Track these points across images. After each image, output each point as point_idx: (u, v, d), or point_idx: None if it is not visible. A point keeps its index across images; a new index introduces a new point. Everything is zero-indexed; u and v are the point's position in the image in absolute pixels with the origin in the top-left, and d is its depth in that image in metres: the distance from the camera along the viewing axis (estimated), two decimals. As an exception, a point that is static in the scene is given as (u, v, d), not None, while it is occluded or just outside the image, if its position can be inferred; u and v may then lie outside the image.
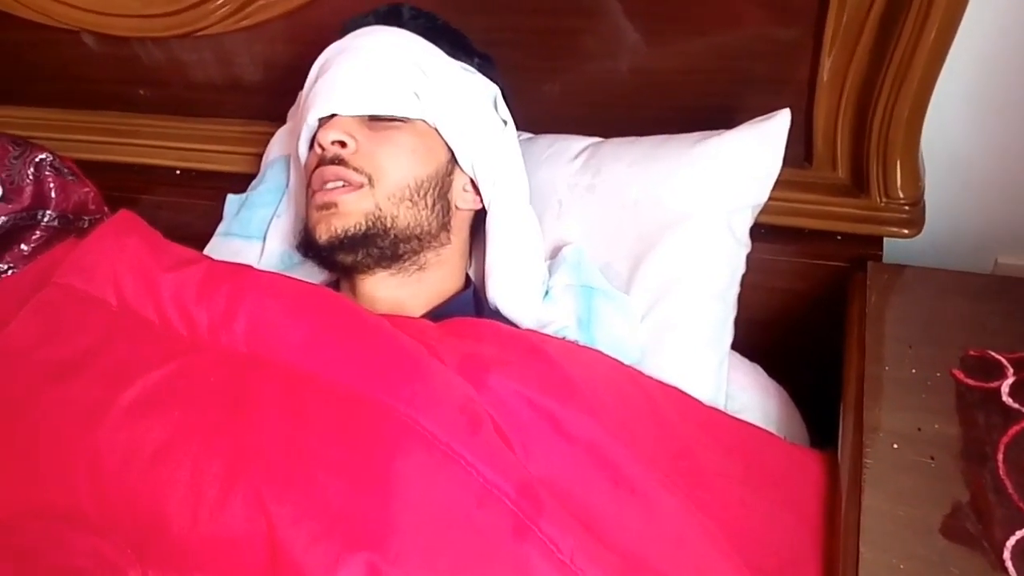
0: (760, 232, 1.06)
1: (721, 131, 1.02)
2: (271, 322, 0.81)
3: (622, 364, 0.90)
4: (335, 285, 1.03)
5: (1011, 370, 0.88)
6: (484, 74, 1.02)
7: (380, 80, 0.95)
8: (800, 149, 1.09)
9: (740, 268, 1.02)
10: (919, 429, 0.85)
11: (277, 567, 0.68)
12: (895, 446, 0.84)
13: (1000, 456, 0.81)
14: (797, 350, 1.14)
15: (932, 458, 0.82)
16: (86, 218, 1.33)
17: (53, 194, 1.31)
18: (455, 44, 1.01)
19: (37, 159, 1.31)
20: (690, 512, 0.78)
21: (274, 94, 1.26)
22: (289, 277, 0.87)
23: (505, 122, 1.03)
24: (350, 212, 0.92)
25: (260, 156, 1.25)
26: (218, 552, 0.70)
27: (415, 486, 0.70)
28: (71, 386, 0.79)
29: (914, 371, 0.91)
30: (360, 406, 0.74)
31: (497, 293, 0.98)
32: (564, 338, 0.94)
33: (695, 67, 1.09)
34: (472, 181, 1.00)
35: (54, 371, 0.81)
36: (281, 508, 0.69)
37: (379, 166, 0.93)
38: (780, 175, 1.02)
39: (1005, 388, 0.86)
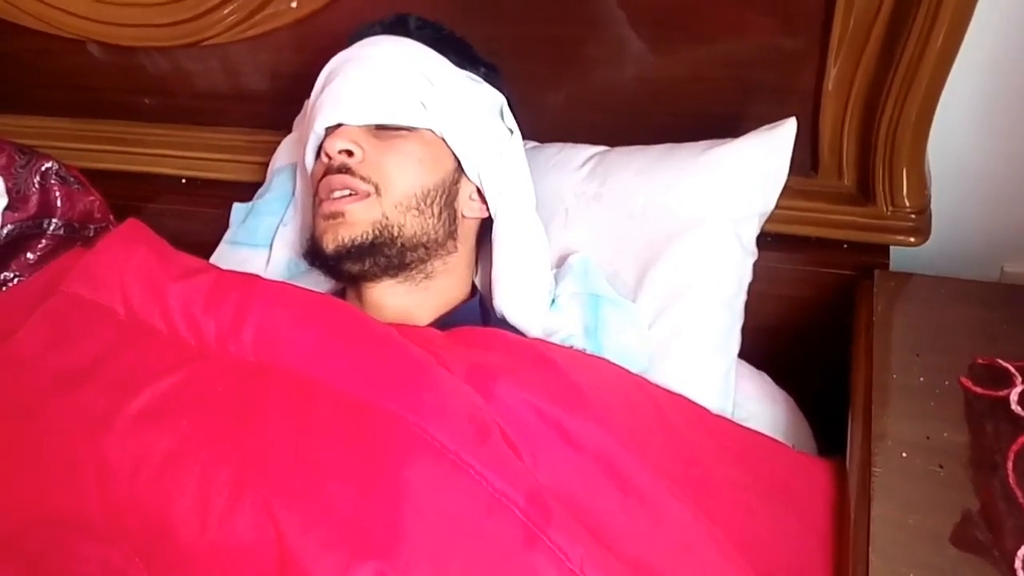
0: (767, 240, 1.06)
1: (727, 140, 1.02)
2: (279, 331, 0.80)
3: (629, 372, 0.90)
4: (341, 293, 1.03)
5: (1019, 378, 0.88)
6: (490, 83, 1.03)
7: (387, 89, 0.96)
8: (806, 157, 1.10)
9: (747, 276, 1.02)
10: (928, 437, 0.85)
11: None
12: (904, 454, 0.83)
13: (1010, 465, 0.80)
14: (804, 358, 1.14)
15: (941, 466, 0.82)
16: (92, 227, 1.33)
17: (59, 203, 1.31)
18: (461, 54, 1.01)
19: (43, 168, 1.31)
20: (698, 520, 0.78)
21: (280, 103, 1.26)
22: (297, 286, 0.87)
23: (511, 131, 1.03)
24: (357, 221, 0.92)
25: (265, 165, 1.26)
26: (226, 560, 0.70)
27: (424, 495, 0.70)
28: (79, 394, 0.79)
29: (922, 379, 0.91)
30: (368, 415, 0.74)
31: (504, 302, 0.98)
32: (571, 347, 0.95)
33: (700, 75, 1.09)
34: (478, 190, 1.00)
35: (62, 379, 0.80)
36: (290, 516, 0.69)
37: (386, 175, 0.94)
38: (786, 183, 1.02)
39: (1014, 396, 0.86)
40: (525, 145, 1.06)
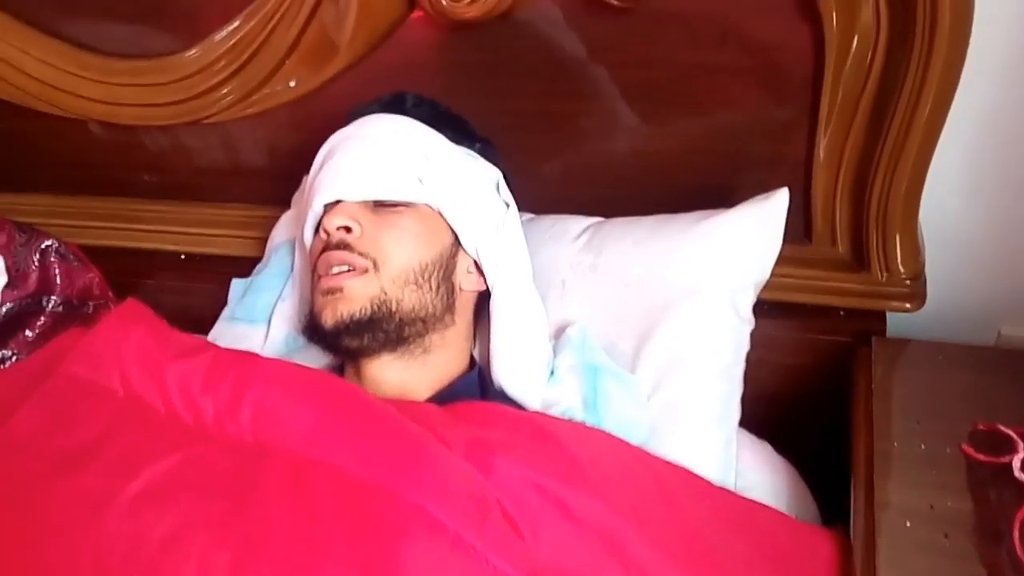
0: (763, 308, 1.07)
1: (721, 210, 1.03)
2: (277, 410, 0.80)
3: (629, 445, 0.90)
4: (340, 369, 1.03)
5: (1021, 444, 0.87)
6: (486, 158, 1.04)
7: (384, 166, 0.97)
8: (800, 225, 1.11)
9: (744, 345, 1.03)
10: (931, 506, 0.84)
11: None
12: (908, 524, 0.83)
13: (1016, 533, 0.79)
14: (803, 425, 1.13)
15: (946, 536, 0.81)
16: (91, 303, 1.33)
17: (58, 280, 1.32)
18: (457, 130, 1.03)
19: (43, 245, 1.32)
20: (702, 596, 0.77)
21: (278, 179, 1.27)
22: (294, 364, 0.87)
23: (508, 205, 1.04)
24: (355, 297, 0.93)
25: (264, 240, 1.27)
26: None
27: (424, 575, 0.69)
28: (78, 477, 0.78)
29: (923, 447, 0.90)
30: (368, 494, 0.73)
31: (503, 374, 0.97)
32: (571, 419, 0.94)
33: (693, 147, 1.11)
34: (476, 263, 1.00)
35: (61, 462, 0.80)
36: (289, 600, 0.68)
37: (383, 250, 0.94)
38: (780, 251, 1.03)
39: (1017, 463, 0.86)
40: (521, 217, 1.07)
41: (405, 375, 0.96)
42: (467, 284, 1.00)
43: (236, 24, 1.15)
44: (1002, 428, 0.90)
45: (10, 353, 1.25)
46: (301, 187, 1.24)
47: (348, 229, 0.95)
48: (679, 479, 0.89)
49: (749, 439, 1.06)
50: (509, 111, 1.11)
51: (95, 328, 0.91)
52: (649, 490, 0.85)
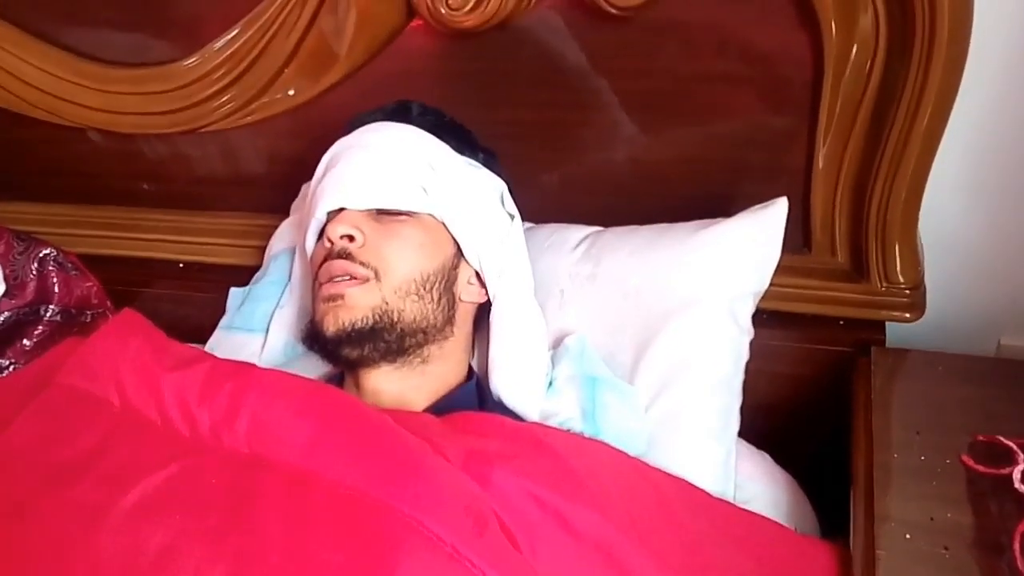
0: (762, 318, 1.06)
1: (720, 220, 1.03)
2: (273, 422, 0.80)
3: (628, 456, 0.89)
4: (338, 379, 1.02)
5: (1021, 456, 0.87)
6: (489, 169, 1.04)
7: (389, 175, 0.97)
8: (799, 235, 1.10)
9: (744, 355, 1.02)
10: (932, 518, 0.84)
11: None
12: (908, 536, 0.82)
13: (1017, 546, 0.79)
14: (803, 435, 1.13)
15: (946, 548, 0.81)
16: (89, 312, 1.33)
17: (56, 289, 1.32)
18: (461, 140, 1.03)
19: (41, 254, 1.32)
20: (700, 609, 0.77)
21: (278, 188, 1.27)
22: (291, 375, 0.87)
23: (512, 216, 1.04)
24: (356, 306, 0.92)
25: (263, 249, 1.27)
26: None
27: (421, 590, 0.69)
28: (73, 489, 0.78)
29: (923, 458, 0.90)
30: (364, 508, 0.73)
31: (501, 385, 0.97)
32: (569, 430, 0.94)
33: (691, 156, 1.11)
34: (477, 274, 1.00)
35: (56, 474, 0.80)
36: (285, 614, 0.68)
37: (385, 260, 0.94)
38: (780, 261, 1.03)
39: (1017, 475, 0.85)
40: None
41: (403, 385, 0.96)
42: (468, 295, 1.00)
43: (235, 32, 1.15)
44: (1002, 439, 0.89)
45: (8, 362, 1.25)
46: (300, 195, 1.24)
47: (351, 238, 0.94)
48: (678, 490, 0.89)
49: (748, 450, 1.06)
50: (508, 120, 1.11)
51: (91, 338, 0.90)
52: (648, 502, 0.85)
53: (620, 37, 1.04)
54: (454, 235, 0.98)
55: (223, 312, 1.20)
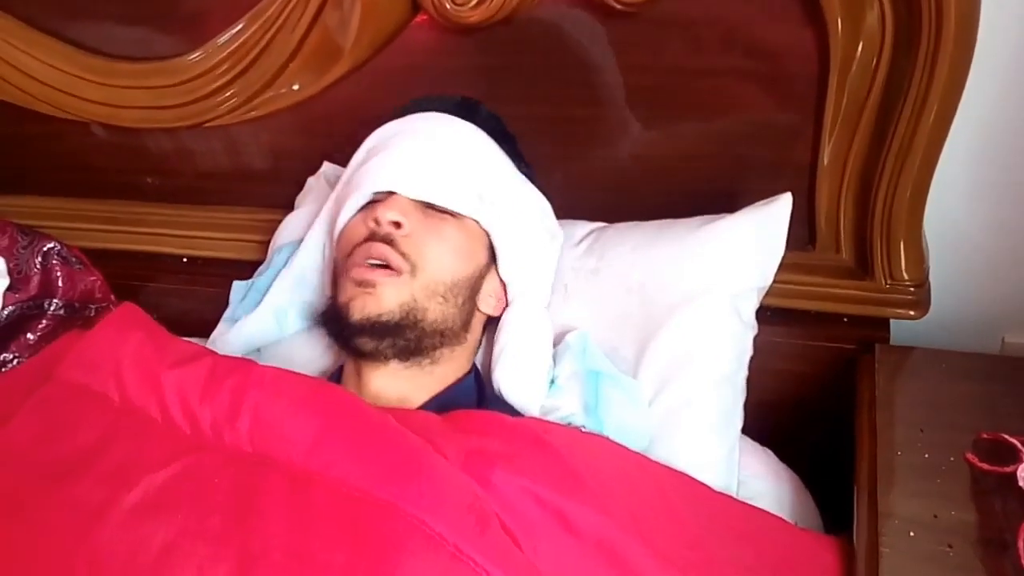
0: (766, 314, 1.06)
1: (723, 215, 1.03)
2: (275, 420, 0.80)
3: (630, 451, 0.89)
4: (338, 373, 1.02)
5: (1026, 454, 0.87)
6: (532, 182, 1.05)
7: (449, 172, 0.96)
8: (803, 232, 1.10)
9: (747, 351, 1.02)
10: (935, 516, 0.84)
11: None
12: (911, 534, 0.82)
13: (1021, 544, 0.79)
14: (806, 432, 1.13)
15: (950, 546, 0.81)
16: (92, 306, 1.34)
17: (60, 283, 1.32)
18: (514, 152, 1.04)
19: (45, 248, 1.33)
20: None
21: (281, 182, 1.27)
22: (293, 372, 0.86)
23: (552, 236, 1.04)
24: (386, 297, 0.91)
25: (267, 244, 1.26)
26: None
27: (423, 589, 0.69)
28: (74, 487, 0.78)
29: (927, 456, 0.90)
30: (366, 507, 0.73)
31: (504, 381, 0.97)
32: (570, 425, 0.94)
33: (696, 152, 1.11)
34: (502, 285, 1.01)
35: (55, 471, 0.80)
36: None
37: (424, 256, 0.93)
38: (784, 258, 1.03)
39: (1021, 473, 0.85)
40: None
41: (407, 384, 0.96)
42: (486, 307, 1.00)
43: (239, 27, 1.15)
44: (1006, 437, 0.89)
45: (12, 356, 1.25)
46: (305, 189, 1.24)
47: (398, 224, 0.93)
48: (680, 486, 0.89)
49: (752, 446, 1.06)
50: (513, 116, 1.10)
51: (91, 333, 0.90)
52: (650, 497, 0.84)
53: (625, 32, 1.04)
54: (496, 248, 0.98)
55: (226, 306, 1.20)
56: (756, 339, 1.04)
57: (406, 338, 0.93)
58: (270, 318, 1.10)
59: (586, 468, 0.80)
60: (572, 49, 1.07)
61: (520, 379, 0.97)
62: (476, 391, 0.99)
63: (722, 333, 1.00)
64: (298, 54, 1.15)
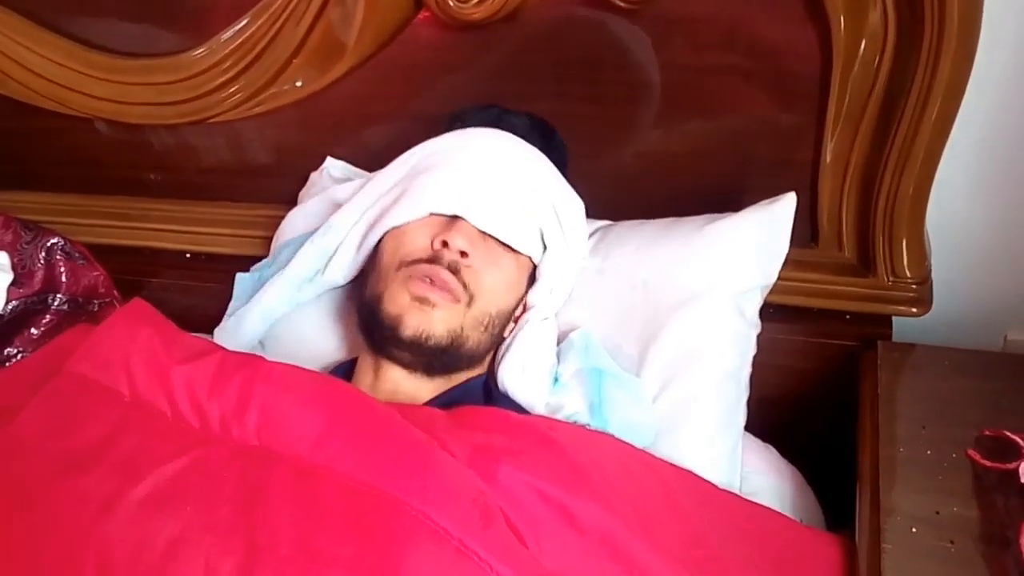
0: (769, 311, 1.06)
1: (728, 214, 1.03)
2: (282, 415, 0.80)
3: (634, 448, 0.90)
4: (343, 370, 1.02)
5: (1028, 450, 0.87)
6: None
7: (517, 206, 0.98)
8: (806, 229, 1.10)
9: (751, 349, 1.02)
10: (937, 512, 0.84)
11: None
12: (913, 530, 0.83)
13: (1022, 540, 0.79)
14: (809, 428, 1.13)
15: (952, 542, 0.81)
16: (96, 302, 1.34)
17: (64, 278, 1.32)
18: (567, 178, 1.04)
19: (48, 244, 1.33)
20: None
21: (285, 178, 1.27)
22: (301, 368, 0.87)
23: (583, 259, 1.06)
24: (440, 322, 0.92)
25: (270, 239, 1.26)
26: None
27: (428, 583, 0.69)
28: (82, 479, 0.78)
29: (929, 452, 0.90)
30: (371, 501, 0.73)
31: (509, 379, 0.98)
32: (575, 423, 0.94)
33: (699, 150, 1.11)
34: (525, 306, 1.02)
35: (65, 463, 0.80)
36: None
37: (482, 290, 0.95)
38: (786, 255, 1.03)
39: (1023, 469, 0.85)
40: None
41: (423, 389, 0.96)
42: (507, 331, 1.01)
43: (243, 23, 1.15)
44: (1008, 434, 0.90)
45: (16, 351, 1.25)
46: (308, 184, 1.24)
47: (465, 254, 0.94)
48: (684, 483, 0.89)
49: (755, 443, 1.07)
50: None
51: (101, 327, 0.90)
52: (653, 494, 0.85)
53: (628, 30, 1.04)
54: (538, 280, 1.00)
55: (229, 301, 1.20)
56: (758, 336, 1.04)
57: (443, 360, 0.94)
58: (289, 288, 1.09)
59: (591, 465, 0.80)
60: (575, 47, 1.07)
61: (525, 377, 0.97)
62: (484, 388, 1.00)
63: (725, 331, 1.01)
64: (302, 50, 1.15)
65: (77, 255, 1.34)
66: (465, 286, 0.93)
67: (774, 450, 1.07)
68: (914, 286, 1.08)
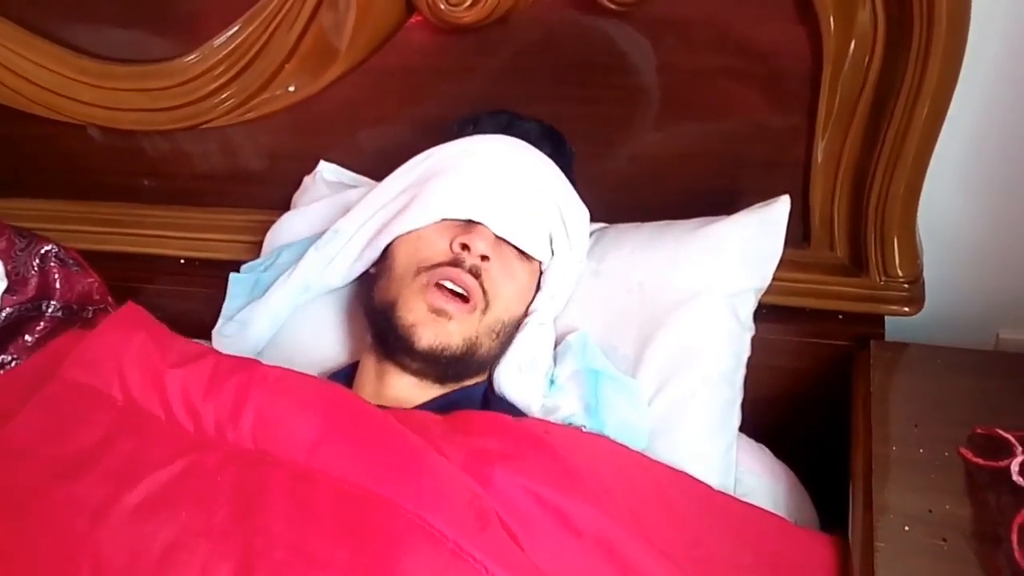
0: (761, 312, 1.07)
1: (721, 217, 1.04)
2: (278, 419, 0.80)
3: (630, 450, 0.90)
4: (343, 374, 1.02)
5: (1020, 448, 0.88)
6: None
7: (532, 212, 0.98)
8: (798, 229, 1.11)
9: (745, 351, 1.03)
10: (930, 510, 0.84)
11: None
12: (906, 528, 0.83)
13: (1014, 538, 0.80)
14: (802, 429, 1.13)
15: (944, 540, 0.82)
16: (90, 308, 1.33)
17: (58, 285, 1.32)
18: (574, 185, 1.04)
19: (42, 250, 1.32)
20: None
21: (278, 183, 1.27)
22: (296, 372, 0.87)
23: (584, 263, 1.06)
24: (455, 332, 0.92)
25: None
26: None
27: (424, 586, 0.69)
28: (76, 485, 0.78)
29: (922, 451, 0.90)
30: (367, 504, 0.73)
31: (505, 381, 0.98)
32: (571, 425, 0.94)
33: (691, 152, 1.11)
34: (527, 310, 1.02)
35: (59, 469, 0.80)
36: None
37: (499, 296, 0.95)
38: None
39: (1015, 467, 0.86)
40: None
41: (426, 395, 0.96)
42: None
43: (235, 29, 1.15)
44: (1001, 432, 0.90)
45: (9, 358, 1.25)
46: (301, 188, 1.24)
47: (486, 258, 0.94)
48: (679, 484, 0.90)
49: (749, 444, 1.07)
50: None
51: (94, 332, 0.90)
52: (648, 496, 0.85)
53: (619, 32, 1.04)
54: (543, 287, 1.00)
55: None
56: (752, 337, 1.04)
57: (455, 368, 0.94)
58: (299, 287, 1.09)
59: (586, 467, 0.81)
60: (567, 49, 1.07)
61: (521, 378, 0.97)
62: (482, 391, 1.00)
63: (720, 334, 1.01)
64: (294, 55, 1.15)
65: (71, 262, 1.34)
66: (486, 291, 0.93)
67: (768, 451, 1.08)
68: (906, 285, 1.08)
